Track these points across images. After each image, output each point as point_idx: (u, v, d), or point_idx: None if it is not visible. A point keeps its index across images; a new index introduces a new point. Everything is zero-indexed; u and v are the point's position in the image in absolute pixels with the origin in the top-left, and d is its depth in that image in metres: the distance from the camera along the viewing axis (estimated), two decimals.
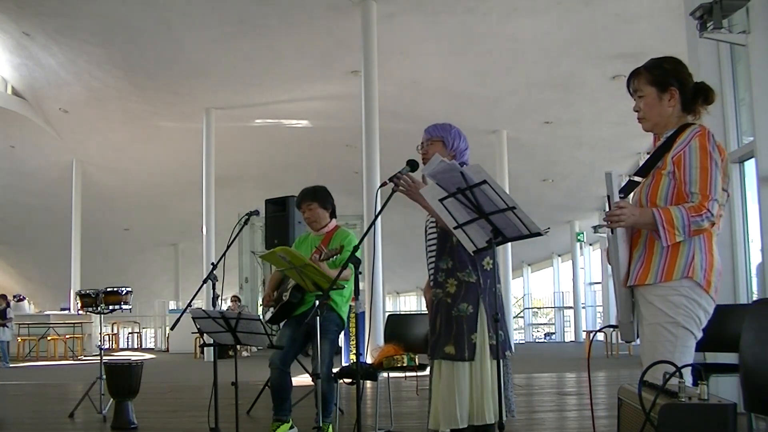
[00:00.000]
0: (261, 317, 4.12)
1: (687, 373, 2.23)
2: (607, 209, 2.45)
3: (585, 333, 14.44)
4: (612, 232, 2.49)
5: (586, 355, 12.71)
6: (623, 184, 2.58)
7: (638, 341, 2.55)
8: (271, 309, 4.61)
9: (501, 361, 3.04)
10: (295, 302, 4.46)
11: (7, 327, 13.04)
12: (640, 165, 2.63)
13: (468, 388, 3.12)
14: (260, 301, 17.64)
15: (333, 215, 4.68)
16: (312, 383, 4.14)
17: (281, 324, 4.71)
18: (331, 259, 4.20)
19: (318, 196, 4.59)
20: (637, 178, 2.59)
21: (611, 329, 3.75)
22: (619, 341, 13.58)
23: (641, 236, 2.53)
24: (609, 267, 2.68)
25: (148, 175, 18.32)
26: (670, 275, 2.42)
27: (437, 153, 3.02)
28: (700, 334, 2.41)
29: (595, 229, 18.07)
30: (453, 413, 3.09)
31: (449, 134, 3.39)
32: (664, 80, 2.57)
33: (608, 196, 2.46)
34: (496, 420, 3.08)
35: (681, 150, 2.46)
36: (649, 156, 2.62)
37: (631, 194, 2.63)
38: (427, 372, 4.59)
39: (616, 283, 2.57)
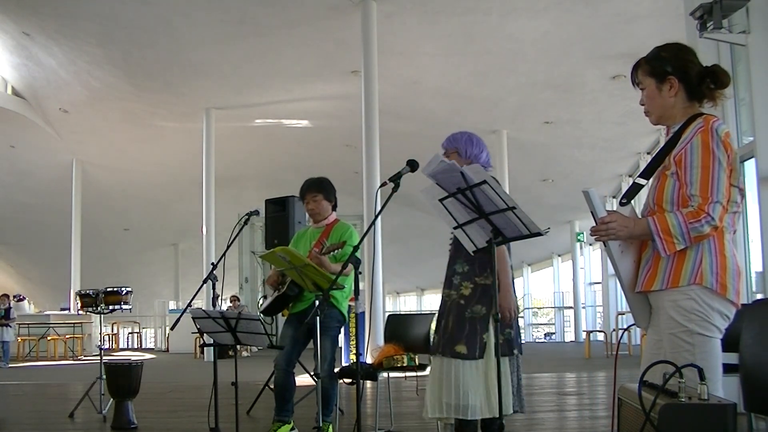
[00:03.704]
0: (258, 309, 4.12)
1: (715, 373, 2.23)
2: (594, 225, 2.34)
3: (585, 333, 14.43)
4: (605, 245, 2.38)
5: (586, 355, 12.73)
6: (627, 187, 2.47)
7: (638, 342, 2.52)
8: (269, 296, 4.60)
9: (510, 357, 3.30)
10: (292, 295, 4.46)
11: (10, 327, 13.03)
12: (645, 165, 2.48)
13: (480, 384, 3.25)
14: (260, 302, 17.65)
15: (334, 208, 4.70)
16: (313, 383, 4.14)
17: (276, 317, 4.72)
18: (332, 253, 4.21)
19: (324, 188, 4.61)
20: (641, 181, 2.42)
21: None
22: (620, 341, 13.57)
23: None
24: (611, 268, 2.63)
25: (148, 175, 18.32)
26: (676, 281, 2.27)
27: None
28: (720, 335, 2.27)
29: None
30: (465, 405, 3.22)
31: (461, 143, 3.55)
32: (662, 70, 2.39)
33: (592, 213, 2.32)
34: (512, 411, 3.31)
35: (682, 148, 2.29)
36: (655, 155, 2.46)
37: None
38: (427, 372, 4.60)
39: (624, 291, 2.47)
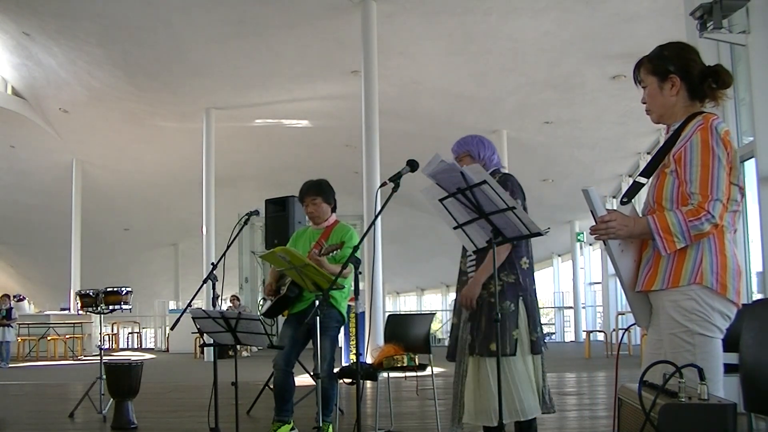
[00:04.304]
0: (259, 312, 4.12)
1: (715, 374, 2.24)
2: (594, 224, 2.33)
3: (585, 333, 14.43)
4: (605, 244, 2.37)
5: (586, 355, 12.72)
6: (628, 186, 2.45)
7: (638, 342, 2.51)
8: (269, 300, 4.62)
9: (538, 356, 3.34)
10: (292, 296, 4.46)
11: (11, 327, 13.02)
12: (646, 164, 2.47)
13: (528, 381, 3.30)
14: (260, 302, 17.74)
15: (334, 210, 4.71)
16: (313, 383, 4.14)
17: (276, 318, 4.72)
18: (331, 254, 4.22)
19: (323, 191, 4.63)
20: (642, 180, 2.42)
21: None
22: (621, 341, 13.59)
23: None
24: (612, 268, 2.62)
25: (148, 175, 18.32)
26: (677, 281, 2.26)
27: (478, 165, 2.95)
28: (721, 335, 2.27)
29: None
30: (514, 408, 3.24)
31: (473, 146, 3.57)
32: (664, 68, 2.39)
33: (592, 211, 2.32)
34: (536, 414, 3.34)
35: (682, 146, 2.29)
36: (654, 153, 2.45)
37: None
38: (427, 372, 4.61)
39: (624, 290, 2.47)
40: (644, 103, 2.50)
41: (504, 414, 3.22)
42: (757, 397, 2.25)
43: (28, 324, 15.42)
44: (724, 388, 2.25)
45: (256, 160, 17.64)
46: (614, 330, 14.34)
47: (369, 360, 5.08)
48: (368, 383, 7.52)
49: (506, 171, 3.63)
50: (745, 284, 5.59)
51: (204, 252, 13.79)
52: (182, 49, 11.53)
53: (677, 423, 1.91)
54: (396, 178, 3.13)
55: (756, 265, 5.71)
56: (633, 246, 2.42)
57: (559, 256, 25.98)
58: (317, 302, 3.85)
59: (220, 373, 4.03)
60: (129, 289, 6.10)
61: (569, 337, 24.70)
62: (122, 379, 5.22)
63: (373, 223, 3.62)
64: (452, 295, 32.26)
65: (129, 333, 22.20)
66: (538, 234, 2.77)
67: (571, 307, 24.39)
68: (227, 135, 14.58)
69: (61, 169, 17.27)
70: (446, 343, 4.35)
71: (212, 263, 4.17)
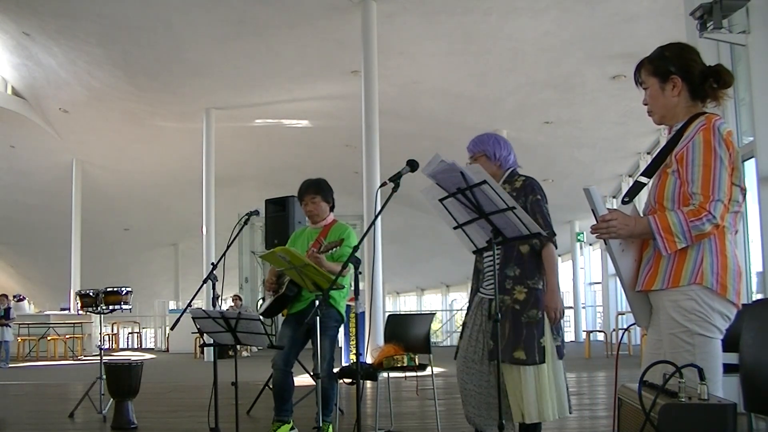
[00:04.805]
0: (257, 311, 4.12)
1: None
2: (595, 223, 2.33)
3: (585, 333, 14.43)
4: (606, 243, 2.38)
5: (586, 355, 12.73)
6: (629, 186, 2.46)
7: (638, 342, 2.51)
8: (268, 299, 4.62)
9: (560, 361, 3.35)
10: (291, 295, 4.47)
11: (10, 327, 13.01)
12: (647, 164, 2.47)
13: (534, 389, 3.27)
14: (260, 302, 17.70)
15: (332, 209, 4.72)
16: (313, 383, 4.14)
17: (275, 318, 4.73)
18: (330, 251, 4.23)
19: (321, 189, 4.65)
20: (643, 179, 2.42)
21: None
22: (621, 341, 13.59)
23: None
24: (612, 268, 2.64)
25: (148, 175, 18.32)
26: (677, 281, 2.27)
27: (480, 165, 2.92)
28: (720, 336, 2.27)
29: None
30: (534, 409, 3.26)
31: (489, 145, 3.51)
32: (665, 69, 2.39)
33: (593, 210, 2.32)
34: (563, 415, 3.36)
35: (684, 146, 2.29)
36: (656, 153, 2.45)
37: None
38: (427, 372, 4.61)
39: (625, 289, 2.47)
40: (646, 104, 2.50)
41: (525, 415, 3.25)
42: (757, 397, 2.25)
43: (28, 324, 15.41)
44: (723, 388, 2.25)
45: (256, 160, 17.63)
46: (614, 330, 14.34)
47: (369, 360, 5.08)
48: (368, 383, 7.52)
49: (520, 169, 3.60)
50: (746, 285, 5.61)
51: (204, 252, 13.79)
52: (182, 49, 11.53)
53: (677, 423, 1.91)
54: (396, 178, 3.12)
55: (756, 265, 5.71)
56: (634, 246, 2.42)
57: (559, 256, 25.93)
58: (317, 302, 3.86)
59: (220, 373, 4.03)
60: (129, 289, 6.10)
61: (569, 337, 24.67)
62: (122, 379, 5.22)
63: (373, 223, 3.62)
64: (452, 295, 32.17)
65: (129, 333, 22.20)
66: (539, 234, 2.78)
67: (571, 307, 24.37)
68: (227, 135, 14.58)
69: (61, 169, 17.27)
70: (444, 343, 4.36)
71: (212, 263, 4.17)
